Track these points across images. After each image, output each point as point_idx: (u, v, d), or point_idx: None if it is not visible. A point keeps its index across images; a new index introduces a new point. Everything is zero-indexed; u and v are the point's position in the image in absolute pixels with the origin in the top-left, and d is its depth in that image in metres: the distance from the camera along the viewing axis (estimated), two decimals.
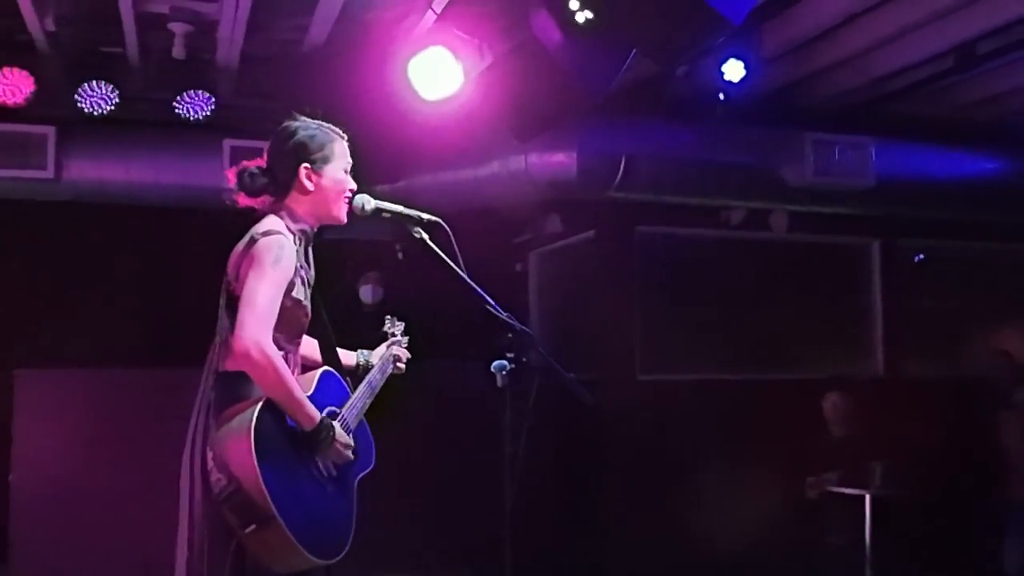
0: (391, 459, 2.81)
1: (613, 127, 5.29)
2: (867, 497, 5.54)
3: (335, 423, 2.53)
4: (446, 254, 2.77)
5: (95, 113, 5.44)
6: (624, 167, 5.28)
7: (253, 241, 2.56)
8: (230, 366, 2.50)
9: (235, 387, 2.48)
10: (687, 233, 6.42)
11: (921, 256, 7.16)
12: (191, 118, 5.58)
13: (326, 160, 2.73)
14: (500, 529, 2.72)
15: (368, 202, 2.76)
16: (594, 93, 4.43)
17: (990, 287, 7.06)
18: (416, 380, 3.15)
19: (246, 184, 2.71)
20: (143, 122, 5.70)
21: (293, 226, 2.67)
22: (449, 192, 5.68)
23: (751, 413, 6.12)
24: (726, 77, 4.98)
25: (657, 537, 5.89)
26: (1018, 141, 6.17)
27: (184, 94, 5.54)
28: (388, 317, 3.20)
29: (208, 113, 5.59)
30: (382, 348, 3.05)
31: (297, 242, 2.66)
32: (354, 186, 2.79)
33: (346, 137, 2.83)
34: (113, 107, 5.44)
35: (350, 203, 2.76)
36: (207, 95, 5.58)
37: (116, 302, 6.29)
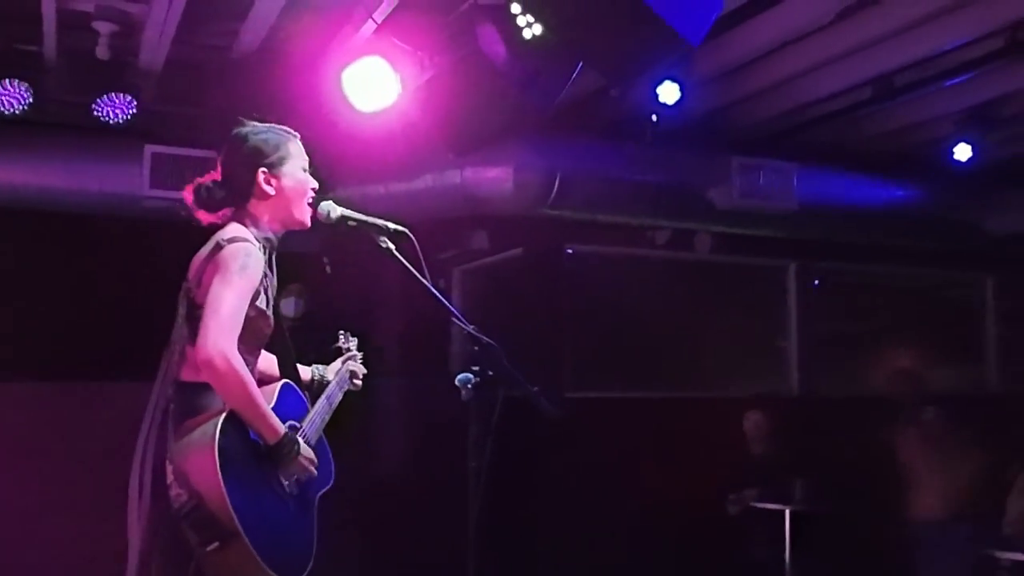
0: (353, 476, 2.73)
1: (548, 144, 5.32)
2: (787, 512, 5.69)
3: (298, 436, 2.45)
4: (412, 265, 2.72)
5: (6, 113, 5.17)
6: (559, 185, 5.31)
7: (219, 247, 2.46)
8: (188, 376, 2.40)
9: (194, 398, 2.38)
10: (614, 252, 6.50)
11: (816, 282, 7.43)
12: (111, 122, 5.36)
13: (283, 161, 2.66)
14: (464, 544, 2.68)
15: (334, 209, 2.70)
16: (538, 109, 4.45)
17: (898, 309, 7.37)
18: (375, 396, 3.07)
19: (204, 200, 2.63)
20: (59, 124, 5.44)
21: (258, 233, 2.59)
22: (380, 205, 5.58)
23: (675, 430, 6.21)
24: (661, 99, 5.06)
25: (585, 552, 5.90)
26: (926, 170, 6.45)
27: (104, 97, 5.31)
28: (341, 332, 3.13)
29: (129, 117, 5.37)
30: (337, 363, 2.97)
31: (262, 250, 2.57)
32: (315, 184, 2.73)
33: (298, 136, 2.76)
34: (26, 107, 5.18)
35: (313, 205, 2.69)
36: (128, 98, 5.35)
37: (30, 312, 5.97)
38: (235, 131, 2.72)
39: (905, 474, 6.32)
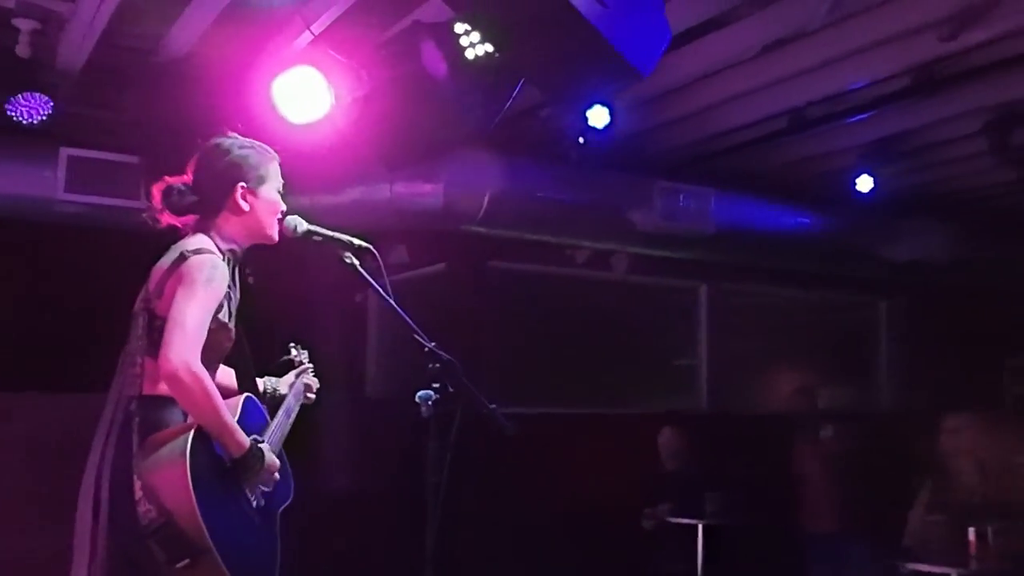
0: (310, 492, 2.72)
1: (479, 162, 5.37)
2: (700, 526, 5.87)
3: (263, 446, 2.43)
4: (375, 280, 2.74)
5: None
6: (488, 202, 5.37)
7: (183, 258, 2.43)
8: (150, 389, 2.35)
9: (157, 412, 2.34)
10: (535, 270, 6.60)
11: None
12: (25, 122, 5.15)
13: (262, 180, 2.66)
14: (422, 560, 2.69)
15: (300, 224, 2.71)
16: (477, 128, 4.51)
17: (801, 331, 7.70)
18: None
19: (173, 202, 2.59)
20: None
21: (223, 245, 2.57)
22: (306, 217, 5.55)
23: (593, 445, 6.33)
24: (591, 122, 5.17)
25: (502, 564, 5.95)
26: (831, 199, 6.78)
27: (19, 96, 5.10)
28: (292, 345, 3.11)
29: (45, 118, 5.17)
30: (290, 376, 2.95)
31: (227, 262, 2.55)
32: (284, 207, 2.72)
33: (278, 158, 2.75)
34: None
35: (281, 223, 2.68)
36: (45, 99, 5.16)
37: None
38: (216, 141, 2.69)
39: (806, 488, 6.63)
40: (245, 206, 2.62)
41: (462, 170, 5.29)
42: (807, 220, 6.78)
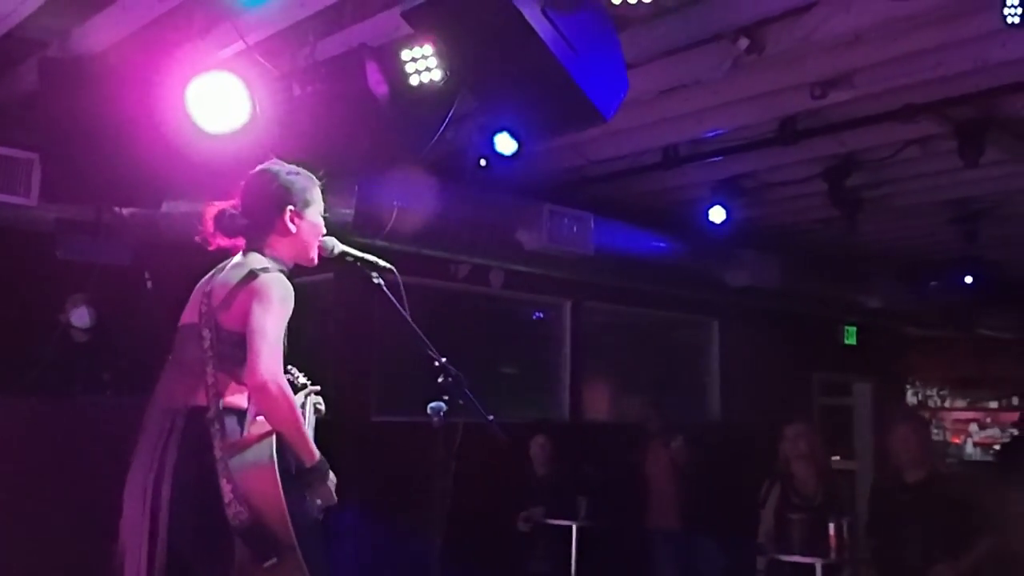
0: None
1: (390, 178, 5.54)
2: (573, 527, 6.30)
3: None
4: (395, 298, 2.93)
5: None
6: (395, 217, 5.56)
7: (252, 275, 2.55)
8: (233, 401, 2.46)
9: (231, 421, 2.44)
10: (419, 282, 6.80)
11: (540, 315, 8.26)
12: None
13: (307, 204, 2.80)
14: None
15: (337, 246, 2.87)
16: (413, 151, 4.72)
17: (654, 347, 8.36)
18: None
19: (225, 225, 2.70)
20: None
21: (277, 265, 2.69)
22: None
23: (468, 453, 6.58)
24: (498, 148, 5.46)
25: (383, 562, 6.11)
26: (685, 227, 7.44)
27: None
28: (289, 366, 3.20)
29: None
30: (300, 397, 3.06)
31: None
32: (325, 230, 2.87)
33: (321, 184, 2.90)
34: None
35: (320, 245, 2.83)
36: None
37: None
38: (265, 167, 2.81)
39: (656, 491, 7.26)
40: (293, 228, 2.76)
41: (373, 185, 5.45)
42: (664, 245, 7.41)
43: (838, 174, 6.66)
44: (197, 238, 2.78)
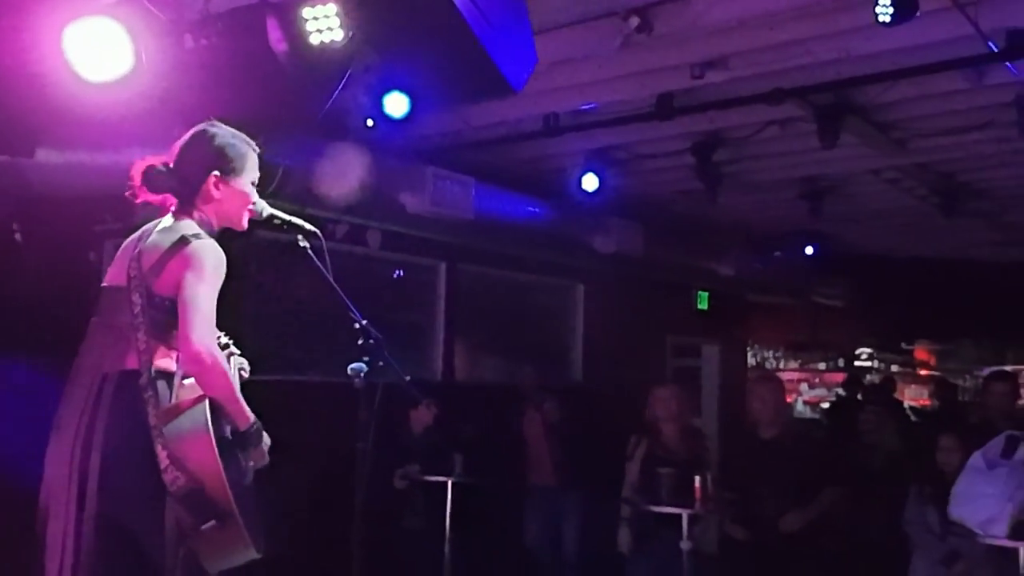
0: None
1: (274, 137, 5.44)
2: (449, 484, 6.46)
3: None
4: (319, 261, 2.97)
5: None
6: (280, 177, 5.49)
7: (184, 241, 2.53)
8: (163, 365, 2.44)
9: (163, 385, 2.43)
10: (294, 240, 6.71)
11: (400, 273, 8.39)
12: None
13: (237, 172, 2.77)
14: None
15: (266, 209, 2.85)
16: (308, 112, 4.68)
17: (524, 310, 8.59)
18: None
19: (151, 181, 2.64)
20: None
21: (207, 230, 2.67)
22: (82, 172, 5.29)
23: (344, 411, 6.62)
24: (387, 110, 5.46)
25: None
26: (559, 193, 7.66)
27: None
28: None
29: None
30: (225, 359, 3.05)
31: None
32: (256, 199, 2.85)
33: (259, 150, 2.88)
34: None
35: (251, 211, 2.82)
36: None
37: None
38: (202, 127, 2.75)
39: (530, 449, 7.55)
40: (216, 194, 2.73)
41: (263, 144, 5.35)
42: (538, 210, 7.62)
43: (705, 149, 7.02)
44: (127, 193, 2.71)
